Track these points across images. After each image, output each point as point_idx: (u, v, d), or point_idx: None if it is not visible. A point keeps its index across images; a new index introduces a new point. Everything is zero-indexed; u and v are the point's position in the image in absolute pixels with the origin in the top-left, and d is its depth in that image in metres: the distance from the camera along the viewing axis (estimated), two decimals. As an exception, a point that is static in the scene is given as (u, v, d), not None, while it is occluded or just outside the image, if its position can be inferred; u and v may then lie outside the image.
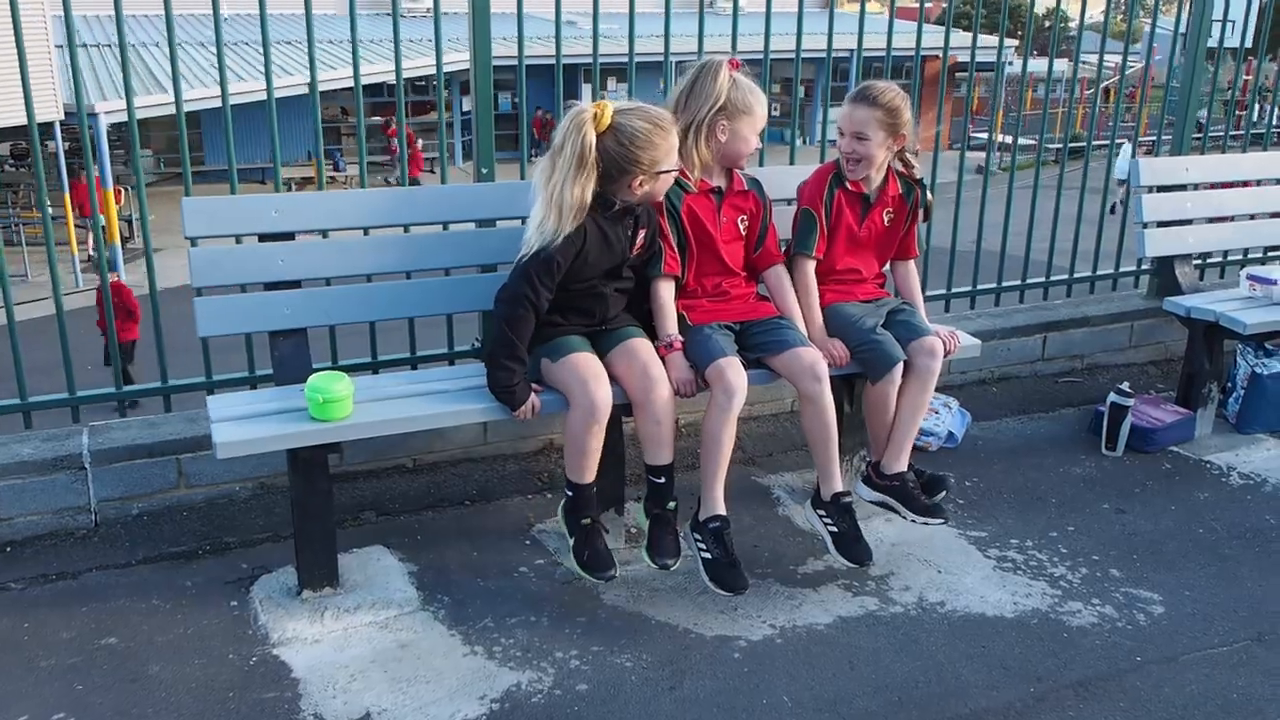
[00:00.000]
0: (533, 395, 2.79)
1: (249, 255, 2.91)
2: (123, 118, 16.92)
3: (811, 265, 3.15)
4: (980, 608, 2.98)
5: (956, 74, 22.79)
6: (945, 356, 3.21)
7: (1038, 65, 18.32)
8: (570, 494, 2.89)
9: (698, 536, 2.88)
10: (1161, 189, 4.23)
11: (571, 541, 2.92)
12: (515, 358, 2.74)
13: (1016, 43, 20.90)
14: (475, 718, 2.50)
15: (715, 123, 2.94)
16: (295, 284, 2.96)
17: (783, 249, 3.21)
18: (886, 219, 3.21)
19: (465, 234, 3.17)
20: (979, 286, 4.54)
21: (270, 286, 2.93)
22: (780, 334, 2.99)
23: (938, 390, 4.12)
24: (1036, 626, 2.90)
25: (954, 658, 2.75)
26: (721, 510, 2.84)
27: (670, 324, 2.97)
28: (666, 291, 2.99)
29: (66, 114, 17.30)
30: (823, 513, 3.01)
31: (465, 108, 28.54)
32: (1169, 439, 3.99)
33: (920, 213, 3.23)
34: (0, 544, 3.16)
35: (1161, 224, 4.18)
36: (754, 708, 2.56)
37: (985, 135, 19.73)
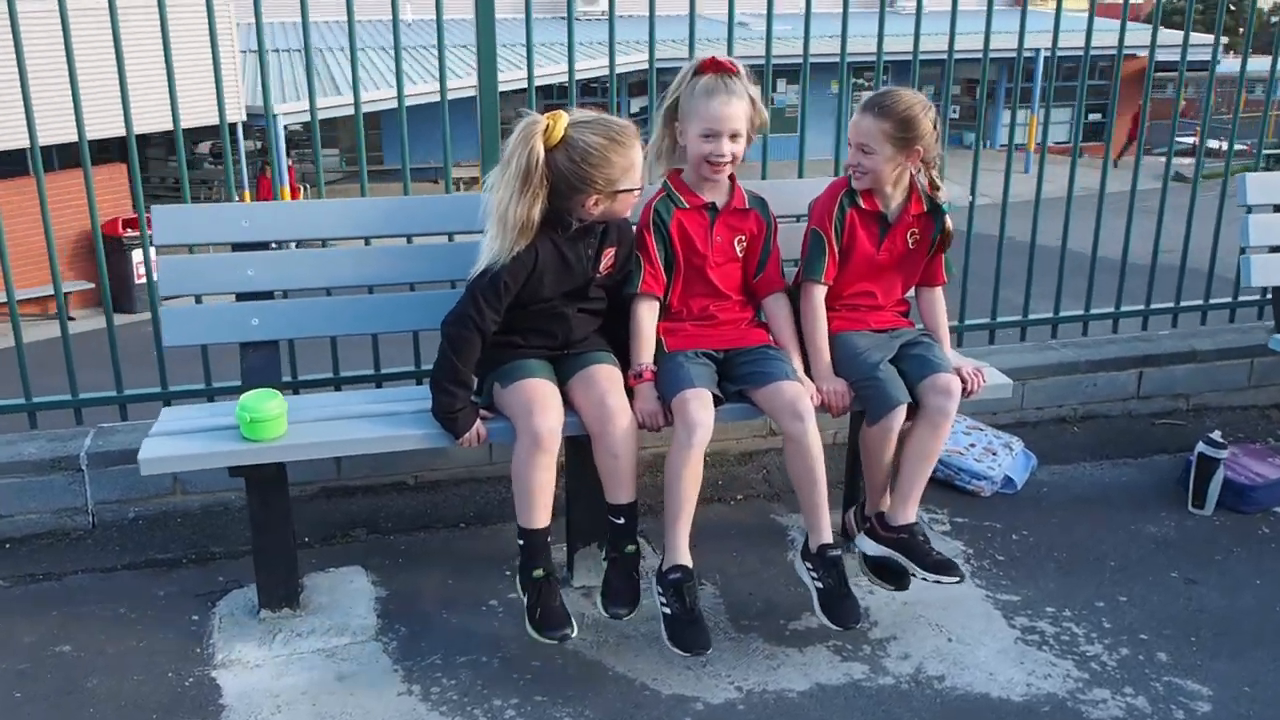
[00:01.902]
0: (478, 424, 2.61)
1: (218, 265, 2.85)
2: (298, 119, 17.93)
3: (820, 292, 2.83)
4: (985, 687, 2.61)
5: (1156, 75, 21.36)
6: (968, 396, 2.85)
7: (1258, 64, 16.95)
8: (520, 542, 2.61)
9: (660, 589, 2.62)
10: (1278, 209, 3.66)
11: (524, 598, 2.62)
12: (458, 382, 2.57)
13: (1226, 39, 19.41)
14: (385, 766, 2.36)
15: (673, 123, 2.70)
16: (268, 295, 2.88)
17: (793, 272, 2.92)
18: (910, 241, 2.87)
19: (439, 247, 3.01)
20: (1061, 314, 4.07)
21: (242, 297, 2.86)
22: (766, 365, 2.70)
23: (1002, 428, 3.72)
24: (1046, 715, 2.52)
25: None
26: (683, 560, 2.56)
27: (644, 351, 2.73)
28: (646, 313, 2.75)
29: (248, 115, 18.47)
30: (810, 565, 2.70)
31: (634, 109, 28.82)
32: (1271, 499, 3.44)
33: (950, 233, 2.86)
34: (2, 540, 3.23)
35: (1274, 249, 3.62)
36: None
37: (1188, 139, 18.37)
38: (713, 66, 2.70)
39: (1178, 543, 3.27)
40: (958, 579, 2.71)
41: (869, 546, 2.82)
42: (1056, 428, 4.00)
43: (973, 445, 3.63)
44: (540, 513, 2.56)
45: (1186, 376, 4.06)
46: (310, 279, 2.90)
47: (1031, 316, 4.05)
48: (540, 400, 2.54)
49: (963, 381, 2.82)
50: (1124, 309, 4.16)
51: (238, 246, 2.85)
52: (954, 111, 28.43)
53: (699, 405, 2.56)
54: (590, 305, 2.71)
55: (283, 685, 2.61)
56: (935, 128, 2.74)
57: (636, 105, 29.25)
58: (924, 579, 2.73)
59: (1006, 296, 4.15)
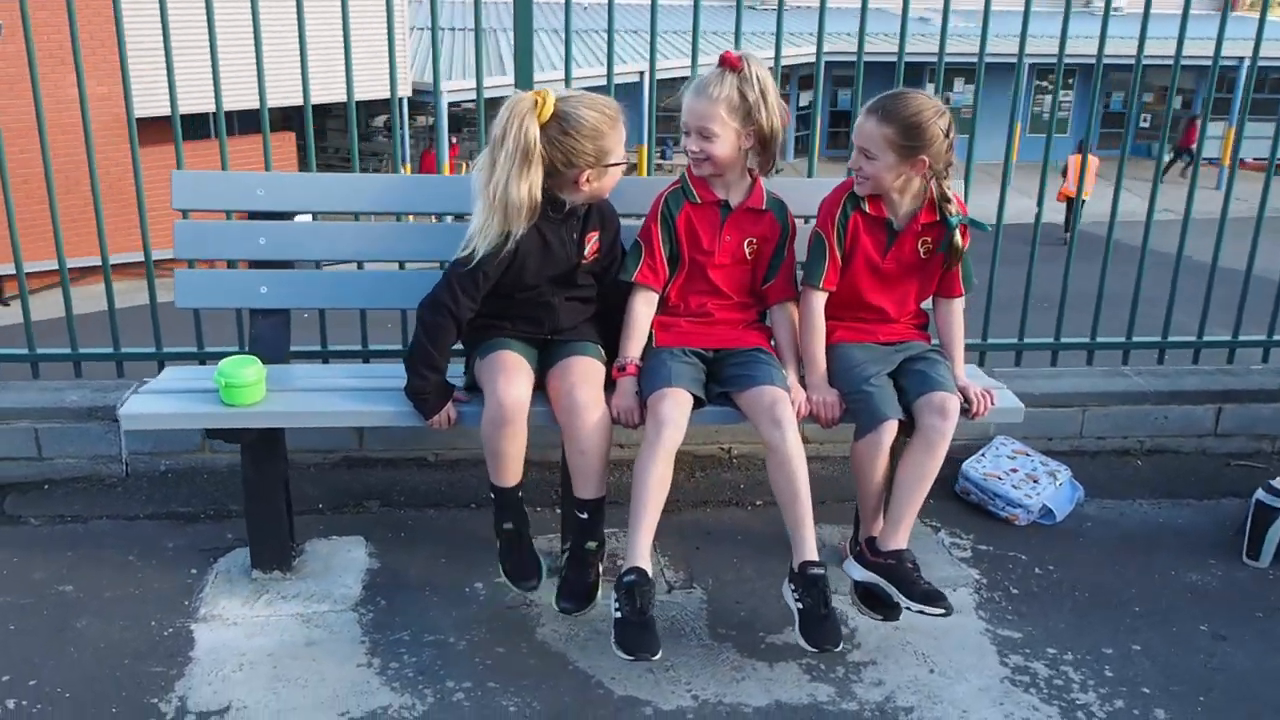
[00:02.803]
0: (449, 406, 2.61)
1: (232, 231, 2.94)
2: (459, 97, 18.44)
3: (818, 298, 2.71)
4: (954, 726, 2.46)
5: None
6: (973, 418, 2.68)
7: None
8: (492, 496, 2.65)
9: (614, 591, 2.55)
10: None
11: (498, 547, 2.71)
12: (431, 366, 2.57)
13: None
14: (322, 734, 2.39)
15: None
16: (283, 264, 2.95)
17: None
18: (923, 250, 2.70)
19: (450, 227, 3.01)
20: (1134, 339, 3.79)
21: (255, 265, 2.94)
22: (753, 367, 2.60)
23: (1051, 455, 3.50)
24: (1013, 763, 2.35)
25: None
26: (640, 563, 2.46)
27: (632, 344, 2.67)
28: (641, 304, 2.69)
29: (414, 91, 19.10)
30: (792, 585, 2.58)
31: (803, 103, 28.36)
32: (1340, 557, 3.12)
33: (958, 249, 2.68)
34: (41, 480, 3.43)
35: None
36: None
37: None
38: (723, 62, 2.62)
39: (1217, 594, 3.00)
40: (943, 612, 2.54)
41: (856, 571, 2.68)
42: (1118, 460, 3.72)
43: (1014, 470, 3.42)
44: (507, 475, 2.60)
45: (1274, 416, 3.72)
46: (320, 251, 2.96)
47: (1100, 340, 3.79)
48: (508, 369, 2.51)
49: (968, 402, 2.66)
50: (1206, 339, 3.84)
51: (254, 215, 2.93)
52: (1144, 120, 26.93)
53: (671, 404, 2.49)
54: (578, 293, 2.68)
55: (252, 644, 2.67)
56: (947, 136, 2.57)
57: (805, 99, 28.95)
58: (909, 609, 2.59)
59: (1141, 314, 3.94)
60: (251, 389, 2.56)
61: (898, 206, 2.67)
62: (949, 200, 2.63)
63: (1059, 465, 3.47)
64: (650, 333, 2.71)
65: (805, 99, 27.88)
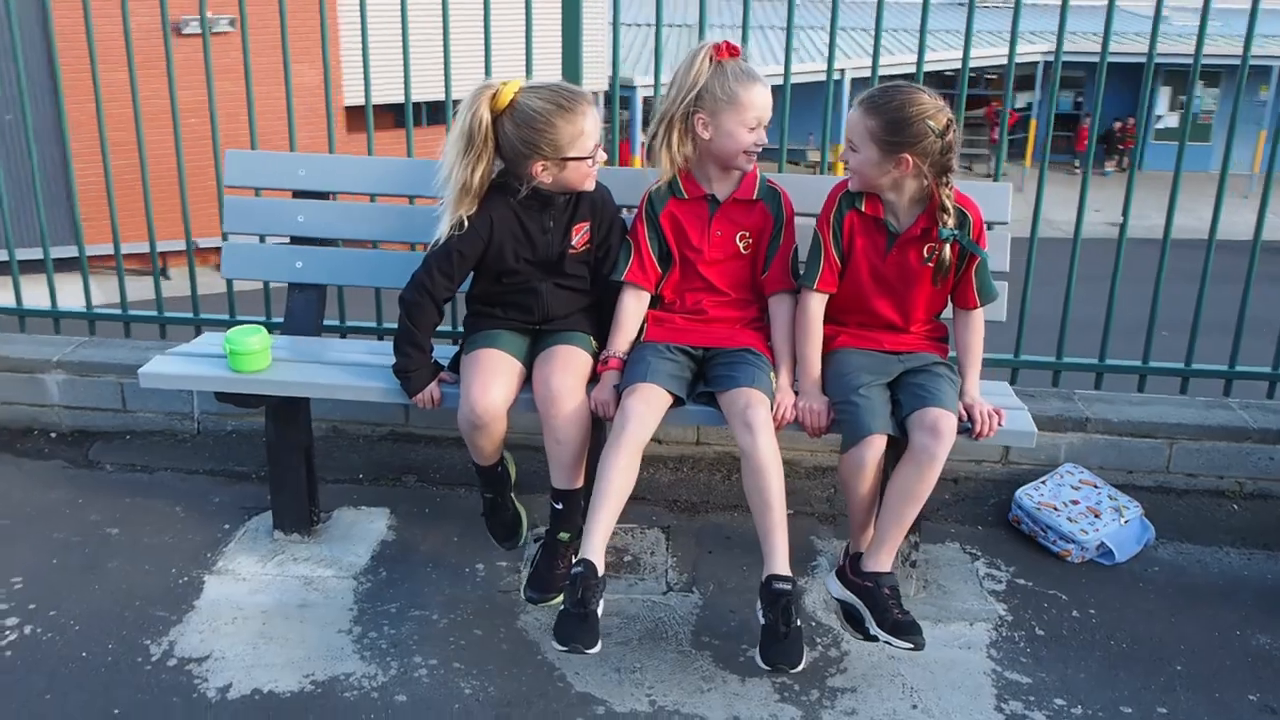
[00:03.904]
0: (433, 385, 2.63)
1: (273, 209, 3.07)
2: (651, 92, 18.65)
3: (813, 300, 2.57)
4: (919, 768, 2.28)
5: None
6: (976, 439, 2.47)
7: None
8: (474, 468, 2.77)
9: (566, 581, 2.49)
10: None
11: (482, 511, 2.87)
12: (414, 344, 2.60)
13: None
14: (283, 691, 2.45)
15: (694, 117, 2.52)
16: (322, 242, 3.06)
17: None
18: (928, 257, 2.51)
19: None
20: (1238, 368, 3.38)
21: (296, 241, 3.06)
22: (737, 368, 2.49)
23: (1130, 490, 3.20)
24: (969, 815, 2.16)
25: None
26: (591, 556, 2.36)
27: (619, 339, 2.62)
28: (630, 301, 2.65)
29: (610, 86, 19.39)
30: (760, 599, 2.45)
31: (1019, 104, 26.96)
32: None
33: (944, 264, 2.47)
34: (124, 431, 3.70)
35: None
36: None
37: None
38: (730, 51, 2.52)
39: (1283, 662, 2.65)
40: (912, 646, 2.36)
41: (834, 587, 2.53)
42: (1210, 501, 3.34)
43: (1075, 503, 3.13)
44: (483, 459, 2.73)
45: None
46: (356, 231, 3.05)
47: (1195, 366, 3.41)
48: (484, 372, 2.54)
49: (972, 421, 2.46)
50: (1325, 374, 3.39)
51: (297, 194, 3.06)
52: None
53: (639, 400, 2.42)
54: (568, 282, 2.65)
55: (252, 600, 2.79)
56: (941, 137, 2.37)
57: (1023, 100, 27.55)
58: (876, 637, 2.42)
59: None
60: (255, 356, 2.67)
61: (896, 208, 2.50)
62: (948, 211, 2.43)
63: (1130, 501, 3.15)
64: (643, 326, 2.65)
65: (1022, 100, 26.56)
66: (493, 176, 2.52)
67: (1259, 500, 3.35)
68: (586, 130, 2.46)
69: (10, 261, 3.82)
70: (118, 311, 3.82)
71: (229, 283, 3.56)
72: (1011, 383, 3.46)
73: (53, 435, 3.69)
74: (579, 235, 2.61)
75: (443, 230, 2.52)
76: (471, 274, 2.65)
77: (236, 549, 3.02)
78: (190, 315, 3.76)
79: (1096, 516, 3.09)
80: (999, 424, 2.46)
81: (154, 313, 3.79)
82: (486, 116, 2.43)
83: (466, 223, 2.49)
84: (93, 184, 3.73)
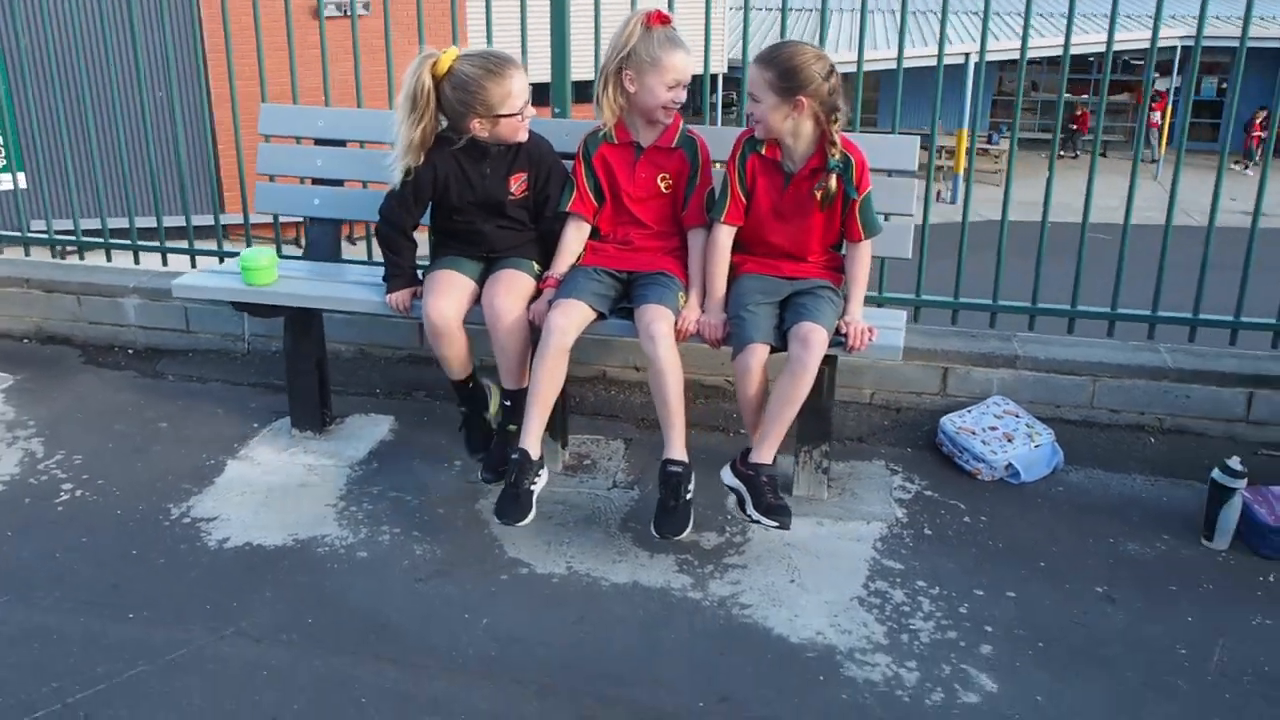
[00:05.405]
0: (405, 293, 3.11)
1: (298, 154, 3.62)
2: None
3: (720, 231, 2.97)
4: (776, 625, 2.67)
5: None
6: (850, 352, 2.84)
7: None
8: (450, 384, 3.19)
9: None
10: None
11: (459, 425, 3.28)
12: (392, 249, 3.12)
13: None
14: (269, 545, 2.99)
15: (623, 74, 2.94)
16: (336, 183, 3.60)
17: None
18: (817, 193, 2.88)
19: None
20: (1159, 312, 3.61)
21: (315, 182, 3.61)
22: (649, 289, 2.92)
23: (1041, 418, 3.50)
24: (808, 661, 2.54)
25: (675, 661, 2.57)
26: (527, 445, 2.84)
27: (559, 262, 3.06)
28: (571, 230, 3.09)
29: (730, 68, 19.73)
30: (659, 478, 2.90)
31: (1160, 88, 26.15)
32: (1301, 547, 2.93)
33: (830, 193, 2.84)
34: (188, 350, 4.33)
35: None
36: (454, 623, 2.68)
37: None
38: (660, 19, 2.93)
39: (1144, 566, 2.93)
40: (778, 525, 2.76)
41: (727, 476, 2.94)
42: (1129, 435, 3.59)
43: (994, 429, 3.45)
44: (453, 372, 3.13)
45: (1323, 408, 3.44)
46: (366, 173, 3.57)
47: (1121, 311, 3.65)
48: (438, 289, 3.01)
49: (845, 337, 2.83)
50: (1244, 319, 3.59)
51: (319, 141, 3.60)
52: None
53: (560, 314, 2.86)
54: (509, 224, 3.10)
55: (262, 479, 3.35)
56: (827, 80, 2.74)
57: (1162, 84, 26.71)
58: (750, 517, 2.82)
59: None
60: (262, 272, 3.22)
61: (792, 152, 2.88)
62: (835, 145, 2.80)
63: (1045, 429, 3.45)
64: (582, 254, 3.10)
65: (1161, 85, 25.72)
66: (439, 130, 2.98)
67: (1175, 435, 3.59)
68: (514, 91, 2.90)
69: (158, 227, 4.51)
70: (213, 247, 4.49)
71: (216, 217, 4.14)
72: (953, 324, 3.80)
73: (130, 351, 4.36)
74: (517, 184, 3.06)
75: (396, 178, 3.01)
76: (432, 206, 3.13)
77: (259, 442, 3.59)
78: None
79: (1009, 441, 3.40)
80: (870, 339, 2.82)
81: (213, 247, 4.44)
82: (428, 82, 2.89)
83: (414, 171, 2.98)
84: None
